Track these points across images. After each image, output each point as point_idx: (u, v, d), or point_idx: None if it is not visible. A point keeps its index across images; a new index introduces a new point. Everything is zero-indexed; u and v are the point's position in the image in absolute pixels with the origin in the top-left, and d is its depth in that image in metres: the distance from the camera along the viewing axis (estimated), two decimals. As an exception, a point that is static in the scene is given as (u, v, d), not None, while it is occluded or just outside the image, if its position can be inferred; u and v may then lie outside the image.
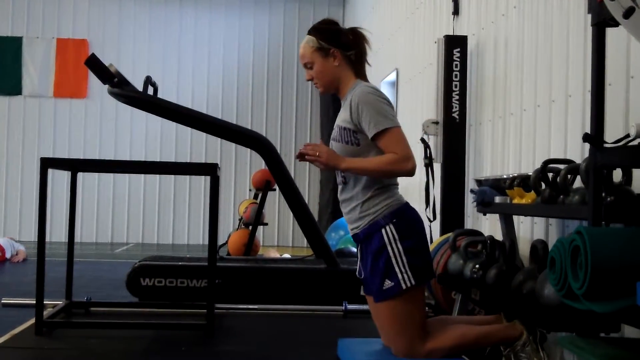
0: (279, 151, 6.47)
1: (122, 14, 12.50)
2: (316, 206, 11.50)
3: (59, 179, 11.12)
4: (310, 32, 3.17)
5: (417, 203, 6.69)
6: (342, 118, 3.10)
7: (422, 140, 5.59)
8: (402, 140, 2.99)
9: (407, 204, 3.09)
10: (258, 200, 7.46)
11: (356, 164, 3.00)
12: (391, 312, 3.00)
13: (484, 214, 4.40)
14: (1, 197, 12.22)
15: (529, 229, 4.31)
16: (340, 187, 3.17)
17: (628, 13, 2.10)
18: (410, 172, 3.00)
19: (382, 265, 2.97)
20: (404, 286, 2.94)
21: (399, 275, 2.95)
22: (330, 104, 10.74)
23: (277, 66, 12.67)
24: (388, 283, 2.96)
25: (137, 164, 5.99)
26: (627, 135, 2.52)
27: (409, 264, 2.95)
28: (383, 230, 2.98)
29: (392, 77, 8.49)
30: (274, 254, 8.28)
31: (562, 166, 3.24)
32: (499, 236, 4.19)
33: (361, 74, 3.17)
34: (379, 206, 3.02)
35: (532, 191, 3.41)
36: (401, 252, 2.96)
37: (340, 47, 3.12)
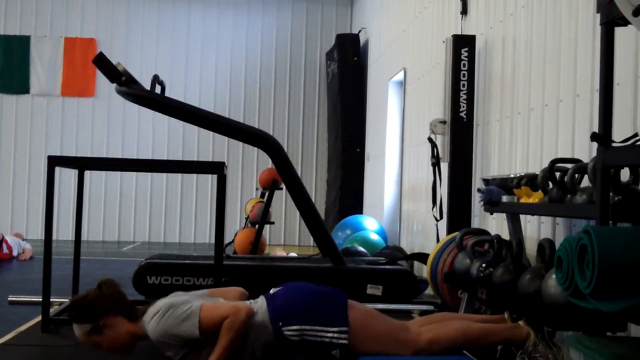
0: (286, 150, 6.47)
1: (130, 13, 12.52)
2: (323, 205, 11.49)
3: (66, 177, 11.14)
4: (73, 322, 3.10)
5: (424, 202, 6.69)
6: (169, 355, 3.07)
7: (430, 139, 5.58)
8: (214, 308, 2.97)
9: (266, 299, 3.10)
10: (265, 199, 7.46)
11: None
12: (368, 354, 2.99)
13: (491, 213, 4.39)
14: (8, 195, 12.26)
15: (536, 228, 4.30)
16: None
17: (638, 11, 2.09)
18: (249, 318, 2.95)
19: (316, 351, 2.98)
20: (345, 341, 2.95)
21: (333, 340, 2.96)
22: (338, 103, 10.74)
23: (284, 65, 12.66)
24: (336, 352, 2.96)
25: (144, 162, 6.00)
26: (635, 135, 2.51)
27: (325, 325, 2.96)
28: (287, 336, 2.97)
29: (400, 76, 8.48)
30: (280, 252, 8.29)
31: (569, 165, 3.23)
32: (505, 235, 4.18)
33: (135, 316, 3.11)
34: (262, 334, 3.00)
35: (540, 190, 3.40)
36: (313, 329, 2.97)
37: (103, 314, 3.06)
